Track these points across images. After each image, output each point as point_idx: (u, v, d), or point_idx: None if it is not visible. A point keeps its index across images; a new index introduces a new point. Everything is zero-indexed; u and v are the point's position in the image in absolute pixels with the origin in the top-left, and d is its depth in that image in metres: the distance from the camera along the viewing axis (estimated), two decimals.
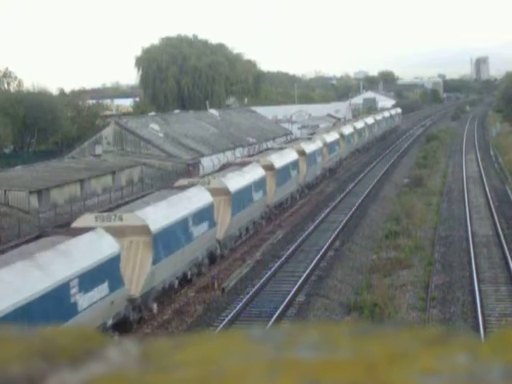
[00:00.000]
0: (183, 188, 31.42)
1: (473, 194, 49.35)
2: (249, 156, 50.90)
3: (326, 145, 58.49)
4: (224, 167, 42.49)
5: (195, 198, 30.08)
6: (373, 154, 79.09)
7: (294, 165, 46.96)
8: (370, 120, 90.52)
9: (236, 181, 35.62)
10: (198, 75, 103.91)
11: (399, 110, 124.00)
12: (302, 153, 50.10)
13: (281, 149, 50.33)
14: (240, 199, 35.07)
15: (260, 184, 38.99)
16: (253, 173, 38.72)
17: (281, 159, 44.87)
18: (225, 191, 33.77)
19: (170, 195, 29.28)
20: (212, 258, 31.83)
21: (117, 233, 23.56)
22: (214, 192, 32.26)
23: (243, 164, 40.97)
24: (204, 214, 30.18)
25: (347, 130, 72.92)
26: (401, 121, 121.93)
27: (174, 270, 27.07)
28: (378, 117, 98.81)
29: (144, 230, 24.86)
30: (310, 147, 53.34)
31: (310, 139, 58.68)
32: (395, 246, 34.75)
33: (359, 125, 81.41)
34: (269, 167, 41.63)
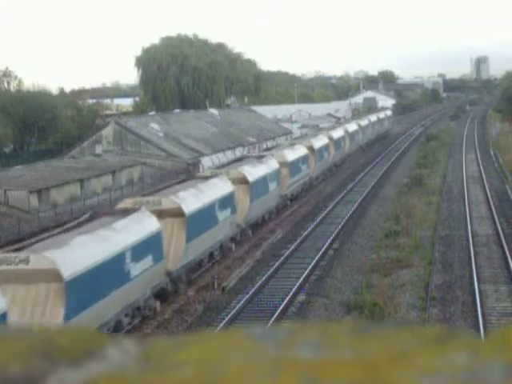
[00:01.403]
0: (207, 178, 34.83)
1: (473, 194, 49.35)
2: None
3: (286, 165, 45.87)
4: (240, 159, 45.88)
5: (219, 187, 33.26)
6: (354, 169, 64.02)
7: (273, 176, 42.22)
8: (352, 126, 75.98)
9: (255, 171, 39.21)
10: (198, 75, 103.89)
11: (389, 113, 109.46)
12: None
13: (260, 157, 44.88)
14: (258, 188, 38.43)
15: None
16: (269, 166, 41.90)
17: (256, 171, 39.77)
18: (244, 180, 37.28)
19: (198, 184, 32.57)
20: (234, 242, 34.97)
21: (156, 215, 26.53)
22: (235, 181, 35.74)
23: (260, 157, 44.21)
24: (227, 201, 33.14)
25: (319, 141, 57.14)
26: (391, 124, 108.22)
27: (204, 248, 30.31)
28: (363, 122, 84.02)
29: (179, 212, 28.17)
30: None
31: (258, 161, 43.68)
32: (395, 245, 34.76)
33: (337, 133, 65.48)
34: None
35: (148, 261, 25.02)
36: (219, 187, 33.14)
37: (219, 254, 32.86)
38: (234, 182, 35.38)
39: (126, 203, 28.48)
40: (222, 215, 32.50)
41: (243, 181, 36.92)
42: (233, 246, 34.81)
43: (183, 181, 36.36)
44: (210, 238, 30.94)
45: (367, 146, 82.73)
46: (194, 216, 29.06)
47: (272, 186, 41.08)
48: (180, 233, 28.40)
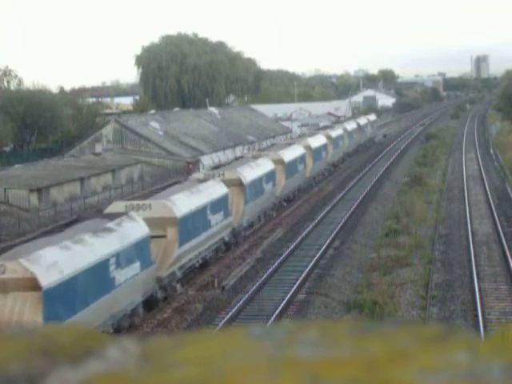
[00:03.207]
0: (201, 180, 34.13)
1: (473, 192, 49.34)
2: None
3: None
4: (237, 159, 45.75)
5: (212, 190, 32.55)
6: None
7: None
8: (318, 140, 57.88)
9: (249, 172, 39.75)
10: (198, 73, 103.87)
11: (373, 117, 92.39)
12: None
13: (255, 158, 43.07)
14: (253, 190, 39.10)
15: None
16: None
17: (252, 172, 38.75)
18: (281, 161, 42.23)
19: (190, 186, 31.75)
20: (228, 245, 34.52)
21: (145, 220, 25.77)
22: (274, 162, 39.85)
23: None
24: (220, 204, 32.83)
25: (266, 165, 41.87)
26: (376, 131, 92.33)
27: (196, 253, 29.77)
28: (335, 132, 66.03)
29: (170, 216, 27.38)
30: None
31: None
32: (395, 244, 34.76)
33: (297, 151, 49.70)
34: None
35: (135, 268, 23.86)
36: (212, 190, 32.35)
37: (213, 257, 32.14)
38: (229, 184, 34.53)
39: (116, 207, 27.47)
40: (215, 219, 31.75)
41: (238, 183, 36.08)
42: (235, 244, 34.55)
43: (176, 183, 35.25)
44: (202, 242, 30.28)
45: (343, 160, 68.68)
46: (186, 220, 28.27)
47: (267, 187, 40.68)
48: (173, 238, 27.50)
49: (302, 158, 49.90)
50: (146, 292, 25.02)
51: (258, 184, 38.51)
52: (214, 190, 32.53)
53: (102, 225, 23.41)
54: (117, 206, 27.39)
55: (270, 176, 41.42)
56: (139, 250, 24.12)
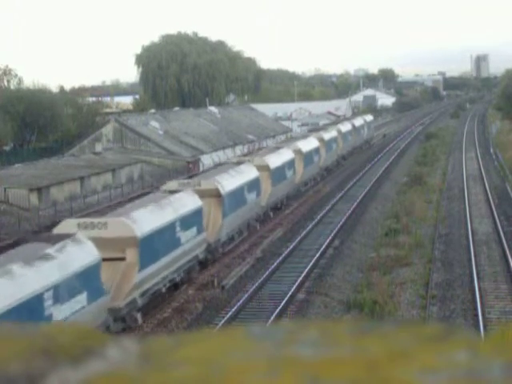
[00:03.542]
0: (172, 192, 30.37)
1: (473, 192, 49.35)
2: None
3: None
4: (216, 166, 43.49)
5: (184, 202, 29.11)
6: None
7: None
8: (309, 143, 53.97)
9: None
10: (198, 73, 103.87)
11: (370, 118, 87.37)
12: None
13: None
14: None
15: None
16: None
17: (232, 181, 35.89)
18: (266, 168, 40.17)
19: (159, 199, 28.36)
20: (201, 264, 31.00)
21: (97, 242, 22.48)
22: (259, 168, 38.00)
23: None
24: (193, 218, 29.19)
25: (249, 172, 38.11)
26: (373, 132, 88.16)
27: (162, 276, 26.33)
28: (328, 134, 61.86)
29: (129, 236, 23.97)
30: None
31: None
32: (395, 243, 34.77)
33: (285, 156, 45.59)
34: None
35: (80, 300, 20.36)
36: (183, 202, 28.74)
37: (184, 278, 28.67)
38: (205, 194, 31.47)
39: (67, 226, 23.93)
40: (186, 235, 28.14)
41: (215, 193, 32.63)
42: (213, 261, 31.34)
43: (144, 195, 31.15)
44: (170, 264, 26.72)
45: (337, 164, 64.96)
46: (150, 239, 24.78)
47: (250, 197, 36.95)
48: (132, 261, 24.05)
49: (290, 164, 46.00)
50: (95, 327, 21.74)
51: (239, 194, 34.94)
52: (186, 202, 28.99)
53: (39, 251, 19.77)
54: (68, 225, 23.93)
55: (254, 184, 37.53)
56: (86, 279, 20.75)
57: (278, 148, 48.57)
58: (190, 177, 36.52)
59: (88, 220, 24.38)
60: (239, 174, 36.29)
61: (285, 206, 44.81)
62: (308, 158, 51.33)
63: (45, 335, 1.22)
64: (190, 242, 28.54)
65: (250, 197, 36.82)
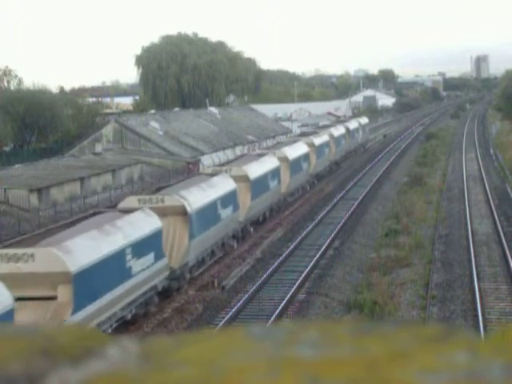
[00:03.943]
0: (128, 211, 26.45)
1: (473, 192, 49.35)
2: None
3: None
4: (189, 177, 40.16)
5: (222, 185, 33.06)
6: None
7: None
8: (297, 149, 50.40)
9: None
10: (198, 73, 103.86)
11: (365, 121, 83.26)
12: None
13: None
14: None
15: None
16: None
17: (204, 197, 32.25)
18: (245, 178, 37.17)
19: (113, 219, 24.91)
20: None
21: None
22: (236, 179, 35.75)
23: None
24: (151, 243, 25.31)
25: (226, 183, 34.82)
26: (368, 136, 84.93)
27: (115, 310, 23.12)
28: (319, 139, 57.98)
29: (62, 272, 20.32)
30: None
31: None
32: (395, 244, 34.77)
33: (268, 164, 42.04)
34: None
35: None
36: (138, 224, 24.71)
37: (138, 314, 24.76)
38: (167, 212, 27.76)
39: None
40: (141, 264, 24.19)
41: (181, 211, 28.54)
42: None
43: (92, 215, 26.20)
44: (118, 300, 22.77)
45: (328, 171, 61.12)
46: (88, 273, 20.98)
47: (225, 213, 33.16)
48: (64, 300, 20.46)
49: (274, 172, 42.13)
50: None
51: (210, 210, 30.94)
52: (142, 224, 24.99)
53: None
54: None
55: (230, 198, 33.80)
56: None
57: (260, 155, 44.52)
58: (157, 190, 32.42)
59: (11, 251, 20.53)
60: (211, 187, 32.27)
61: (268, 219, 40.96)
62: (295, 165, 47.30)
63: (45, 335, 1.22)
64: (146, 272, 24.63)
65: (225, 212, 32.90)
